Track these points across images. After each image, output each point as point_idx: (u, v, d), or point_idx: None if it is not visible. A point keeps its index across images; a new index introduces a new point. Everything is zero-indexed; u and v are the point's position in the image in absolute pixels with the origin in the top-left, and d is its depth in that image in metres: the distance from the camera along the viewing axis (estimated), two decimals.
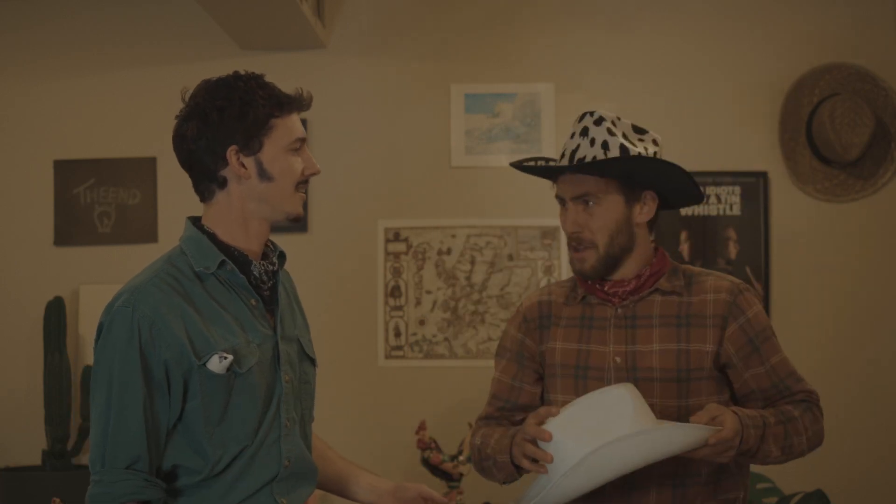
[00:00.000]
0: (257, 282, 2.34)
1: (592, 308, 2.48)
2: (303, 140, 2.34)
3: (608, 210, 2.42)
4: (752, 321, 2.45)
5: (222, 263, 2.31)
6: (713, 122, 4.65)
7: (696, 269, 2.53)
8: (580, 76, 4.65)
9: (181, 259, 2.34)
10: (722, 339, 2.42)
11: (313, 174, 2.35)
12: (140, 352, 2.20)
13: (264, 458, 2.28)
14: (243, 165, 2.31)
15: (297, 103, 2.35)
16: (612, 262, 2.44)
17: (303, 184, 2.34)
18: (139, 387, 2.20)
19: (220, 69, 4.84)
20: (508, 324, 2.61)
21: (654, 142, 2.47)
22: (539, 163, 2.53)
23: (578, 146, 2.42)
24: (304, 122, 2.41)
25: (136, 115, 4.68)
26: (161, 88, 4.68)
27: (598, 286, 2.47)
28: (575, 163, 2.40)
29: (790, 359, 2.54)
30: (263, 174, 2.31)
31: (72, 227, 4.66)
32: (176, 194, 4.64)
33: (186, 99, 2.35)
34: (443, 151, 4.65)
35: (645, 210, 2.46)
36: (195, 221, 2.42)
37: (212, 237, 2.36)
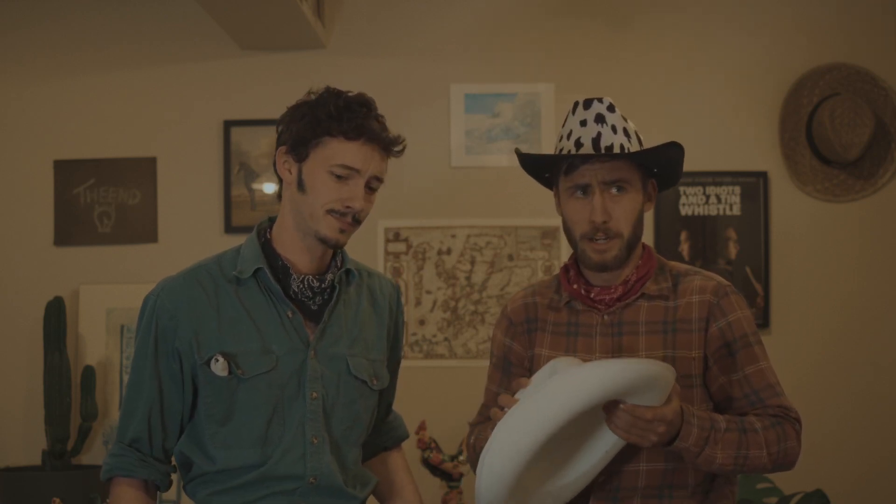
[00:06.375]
0: (298, 295, 2.32)
1: (578, 315, 2.40)
2: (352, 170, 2.25)
3: (634, 199, 2.33)
4: (734, 325, 2.34)
5: (258, 270, 2.30)
6: (713, 122, 4.65)
7: (684, 267, 2.44)
8: (580, 76, 4.65)
9: (231, 259, 2.35)
10: (705, 343, 2.34)
11: (348, 208, 2.26)
12: (155, 339, 2.28)
13: (285, 470, 2.28)
14: (289, 171, 2.29)
15: (365, 133, 2.25)
16: (630, 252, 2.35)
17: (336, 212, 2.26)
18: (150, 372, 2.28)
19: (220, 69, 4.89)
20: (495, 327, 2.53)
21: (636, 132, 2.44)
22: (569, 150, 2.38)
23: (600, 134, 2.31)
24: None
25: (136, 115, 4.68)
26: (161, 88, 4.69)
27: (583, 292, 2.39)
28: (603, 150, 2.30)
29: (774, 370, 2.37)
30: (301, 184, 2.28)
31: (72, 227, 4.65)
32: (176, 194, 4.64)
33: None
34: (443, 151, 4.65)
35: (652, 200, 2.40)
36: (267, 221, 2.40)
37: (266, 243, 2.34)
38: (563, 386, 2.05)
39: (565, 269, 2.45)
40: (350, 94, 2.29)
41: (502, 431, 2.07)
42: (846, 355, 4.61)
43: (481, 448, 2.30)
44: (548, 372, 2.17)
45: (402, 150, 2.34)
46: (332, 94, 2.28)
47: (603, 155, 2.30)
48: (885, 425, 4.61)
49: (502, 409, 2.16)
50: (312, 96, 2.30)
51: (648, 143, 2.43)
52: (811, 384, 4.47)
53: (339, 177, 2.25)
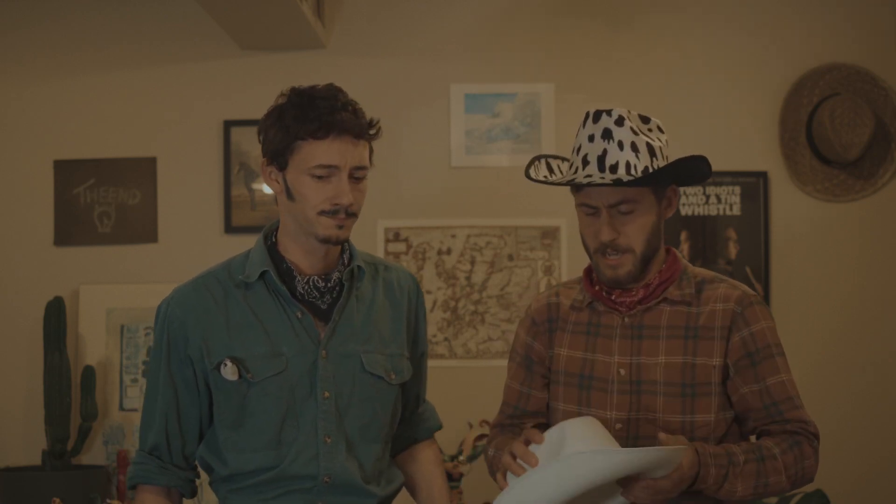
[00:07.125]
0: (305, 296, 2.31)
1: (599, 315, 2.40)
2: (331, 167, 2.23)
3: (644, 214, 2.32)
4: (756, 335, 2.35)
5: (264, 273, 2.31)
6: (713, 122, 4.65)
7: (710, 274, 2.43)
8: (580, 76, 4.65)
9: (239, 264, 2.36)
10: (727, 351, 2.33)
11: (337, 205, 2.24)
12: (167, 347, 2.30)
13: (299, 470, 2.28)
14: (276, 181, 2.29)
15: (333, 128, 2.22)
16: (645, 264, 2.34)
17: (327, 213, 2.25)
18: (164, 380, 2.31)
19: (220, 69, 4.89)
20: (518, 326, 2.54)
21: (659, 128, 2.41)
22: (565, 168, 2.39)
23: (606, 151, 2.30)
24: None
25: (136, 115, 4.67)
26: (161, 88, 4.69)
27: (605, 293, 2.39)
28: (607, 169, 2.29)
29: (795, 382, 2.39)
30: (289, 193, 2.28)
31: (72, 227, 4.65)
32: (176, 194, 4.64)
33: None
34: (443, 151, 4.65)
35: (672, 205, 2.39)
36: (276, 224, 2.40)
37: (272, 246, 2.35)
38: (572, 470, 2.04)
39: (588, 270, 2.46)
40: (316, 88, 2.26)
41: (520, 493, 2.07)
42: (846, 355, 4.61)
43: (497, 469, 2.31)
44: (556, 435, 2.14)
45: (378, 133, 2.31)
46: (296, 95, 2.26)
47: (601, 185, 2.29)
48: (885, 425, 4.61)
49: (515, 458, 2.16)
50: (282, 100, 2.29)
51: None
52: (811, 384, 4.45)
53: (320, 177, 2.23)
